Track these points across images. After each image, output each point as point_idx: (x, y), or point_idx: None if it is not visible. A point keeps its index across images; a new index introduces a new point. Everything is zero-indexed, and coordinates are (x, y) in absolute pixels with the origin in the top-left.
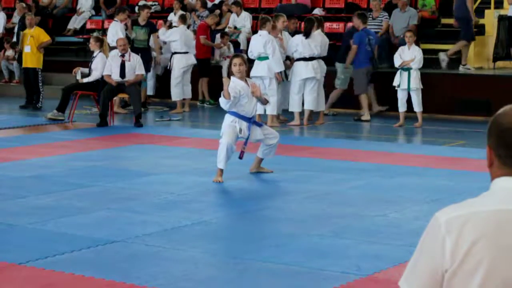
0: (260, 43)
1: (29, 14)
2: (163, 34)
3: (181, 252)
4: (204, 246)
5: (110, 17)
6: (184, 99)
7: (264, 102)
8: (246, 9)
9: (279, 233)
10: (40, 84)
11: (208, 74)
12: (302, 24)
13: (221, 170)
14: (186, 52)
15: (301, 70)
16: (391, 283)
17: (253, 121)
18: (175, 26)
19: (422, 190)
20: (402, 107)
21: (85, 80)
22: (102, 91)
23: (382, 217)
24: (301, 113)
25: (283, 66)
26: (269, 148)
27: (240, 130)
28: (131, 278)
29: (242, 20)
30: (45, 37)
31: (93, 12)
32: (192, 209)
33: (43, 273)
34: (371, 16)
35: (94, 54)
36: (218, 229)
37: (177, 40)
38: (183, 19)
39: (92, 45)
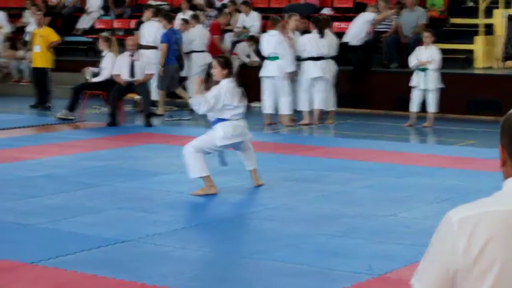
0: (272, 43)
1: (37, 14)
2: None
3: (192, 252)
4: (214, 246)
5: (119, 17)
6: None
7: None
8: (255, 9)
9: (290, 233)
10: (50, 83)
11: None
12: (310, 24)
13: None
14: (203, 51)
15: (309, 70)
16: (402, 283)
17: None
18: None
19: (432, 190)
20: (415, 107)
21: (95, 79)
22: (111, 90)
23: (393, 217)
24: (310, 113)
25: (294, 66)
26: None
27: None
28: (142, 277)
29: (251, 20)
30: (54, 37)
31: (102, 12)
32: (203, 208)
33: (54, 273)
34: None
35: (103, 54)
36: (228, 228)
37: (196, 40)
38: (197, 18)
39: (101, 45)
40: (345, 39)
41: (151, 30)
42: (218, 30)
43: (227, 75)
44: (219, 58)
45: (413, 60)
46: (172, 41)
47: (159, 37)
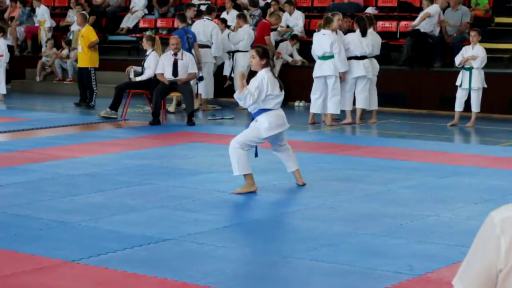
0: (326, 42)
1: (79, 13)
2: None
3: (233, 250)
4: (255, 245)
5: (163, 16)
6: None
7: None
8: (299, 8)
9: (331, 232)
10: (94, 82)
11: None
12: (354, 23)
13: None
14: (247, 51)
15: (353, 69)
16: (444, 283)
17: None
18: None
19: (475, 190)
20: (459, 106)
21: (138, 78)
22: (154, 89)
23: (435, 217)
24: (353, 112)
25: (347, 66)
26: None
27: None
28: (183, 276)
29: (294, 19)
30: (92, 37)
31: (146, 11)
32: (244, 207)
33: (95, 271)
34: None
35: (147, 53)
36: (269, 227)
37: (244, 40)
38: (244, 18)
39: (145, 44)
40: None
41: (201, 29)
42: (269, 30)
43: (265, 65)
44: (257, 48)
45: (458, 59)
46: (183, 40)
47: (209, 36)
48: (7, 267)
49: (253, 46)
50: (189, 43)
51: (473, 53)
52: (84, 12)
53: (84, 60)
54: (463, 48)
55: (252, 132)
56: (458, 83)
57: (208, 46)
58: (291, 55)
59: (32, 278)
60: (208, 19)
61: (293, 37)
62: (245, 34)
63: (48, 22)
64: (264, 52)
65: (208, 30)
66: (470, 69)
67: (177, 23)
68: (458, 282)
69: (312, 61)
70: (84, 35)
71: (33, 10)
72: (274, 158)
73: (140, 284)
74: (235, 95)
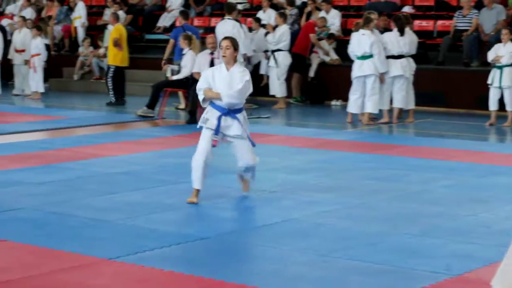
0: (366, 42)
1: (111, 13)
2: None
3: (270, 249)
4: (293, 244)
5: (199, 15)
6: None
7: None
8: (335, 7)
9: (368, 232)
10: (110, 80)
11: (300, 70)
12: (391, 22)
13: (197, 190)
14: (288, 50)
15: (390, 68)
16: (482, 283)
17: (226, 112)
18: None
19: None
20: (493, 105)
21: (175, 77)
22: (191, 88)
23: (473, 216)
24: (390, 111)
25: (387, 66)
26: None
27: (206, 120)
28: (220, 274)
29: (331, 18)
30: (113, 34)
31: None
32: (282, 206)
33: (133, 269)
34: (461, 13)
35: (184, 52)
36: (307, 227)
37: (287, 39)
38: (285, 17)
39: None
40: None
41: (225, 29)
42: (313, 30)
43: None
44: (232, 39)
45: (490, 56)
46: (179, 37)
47: (231, 35)
48: (45, 264)
49: (298, 49)
50: None
51: (505, 51)
52: (115, 11)
53: (109, 57)
54: (495, 46)
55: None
56: (489, 81)
57: None
58: (327, 54)
59: (70, 276)
60: (229, 18)
61: (330, 36)
62: (285, 33)
63: (83, 19)
64: (237, 44)
65: (229, 30)
66: (501, 67)
67: (180, 20)
68: (497, 283)
69: (348, 60)
70: (112, 33)
71: (70, 9)
72: (310, 157)
73: (177, 283)
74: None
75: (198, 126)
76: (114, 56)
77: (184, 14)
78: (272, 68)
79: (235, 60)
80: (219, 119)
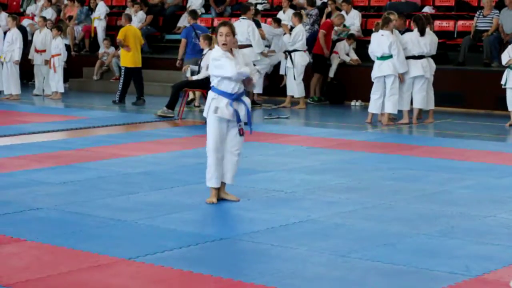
0: (385, 43)
1: (124, 13)
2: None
3: (289, 249)
4: (311, 244)
5: (220, 15)
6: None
7: (248, 84)
8: (355, 7)
9: (387, 232)
10: (121, 80)
11: (320, 71)
12: (411, 22)
13: (214, 189)
14: (304, 50)
15: (410, 68)
16: (501, 284)
17: (236, 97)
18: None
19: None
20: (511, 106)
21: (195, 77)
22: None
23: (492, 217)
24: (410, 112)
25: (407, 66)
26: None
27: (216, 109)
28: (239, 275)
29: (351, 18)
30: (119, 36)
31: (203, 10)
32: (300, 207)
33: (151, 269)
34: (481, 13)
35: (204, 52)
36: (326, 227)
37: (303, 39)
38: (300, 17)
39: (201, 43)
40: None
41: (241, 29)
42: (329, 28)
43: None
44: (231, 24)
45: (504, 58)
46: (190, 36)
47: (246, 35)
48: (64, 264)
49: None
50: (198, 39)
51: None
52: (127, 12)
53: (121, 59)
54: (509, 46)
55: None
56: (502, 81)
57: (248, 45)
58: (347, 54)
59: (89, 276)
60: (244, 18)
61: (350, 36)
62: (300, 33)
63: (102, 20)
64: (235, 30)
65: (243, 30)
66: None
67: (188, 19)
68: None
69: (369, 60)
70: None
71: (91, 9)
72: (330, 158)
73: (195, 283)
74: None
75: (205, 115)
76: (123, 57)
77: (193, 13)
78: (289, 68)
79: (235, 47)
80: (231, 105)
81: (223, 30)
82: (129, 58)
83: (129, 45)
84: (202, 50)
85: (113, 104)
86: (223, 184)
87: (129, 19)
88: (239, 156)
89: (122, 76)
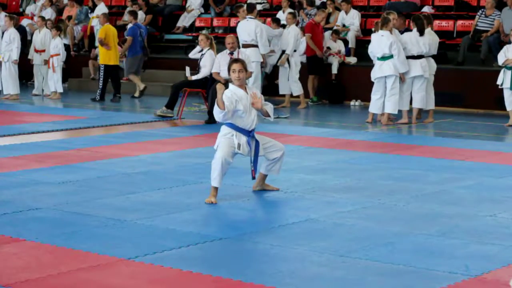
0: (385, 43)
1: (102, 13)
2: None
3: (288, 249)
4: (311, 244)
5: (219, 15)
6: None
7: (265, 114)
8: (355, 7)
9: (387, 232)
10: (101, 78)
11: (317, 72)
12: (410, 22)
13: (215, 189)
14: (295, 50)
15: (410, 68)
16: (500, 284)
17: (253, 134)
18: (283, 25)
19: None
20: (510, 105)
21: (194, 77)
22: (211, 88)
23: (491, 217)
24: (409, 111)
25: (408, 66)
26: (272, 163)
27: (239, 145)
28: (238, 274)
29: (350, 18)
30: (100, 34)
31: (202, 10)
32: (300, 206)
33: (151, 269)
34: (483, 13)
35: (203, 52)
36: (325, 227)
37: (294, 40)
38: (294, 17)
39: (201, 42)
40: None
41: (249, 28)
42: (311, 29)
43: None
44: (242, 62)
45: (501, 58)
46: (136, 34)
47: (253, 35)
48: (64, 264)
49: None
50: (142, 37)
51: None
52: (105, 12)
53: (99, 57)
54: (505, 47)
55: None
56: (499, 82)
57: (253, 45)
58: (329, 48)
59: (88, 276)
60: (250, 18)
61: (335, 32)
62: (291, 34)
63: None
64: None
65: (251, 29)
66: (511, 68)
67: (130, 19)
68: None
69: (367, 60)
70: (99, 33)
71: (90, 9)
72: (329, 157)
73: (195, 283)
74: (214, 109)
75: (235, 151)
76: (103, 55)
77: (134, 13)
78: (283, 68)
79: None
80: (249, 143)
81: (235, 67)
82: (108, 56)
83: (109, 43)
84: (145, 46)
85: (92, 102)
86: (264, 176)
87: (135, 16)
88: (281, 152)
89: (102, 74)
